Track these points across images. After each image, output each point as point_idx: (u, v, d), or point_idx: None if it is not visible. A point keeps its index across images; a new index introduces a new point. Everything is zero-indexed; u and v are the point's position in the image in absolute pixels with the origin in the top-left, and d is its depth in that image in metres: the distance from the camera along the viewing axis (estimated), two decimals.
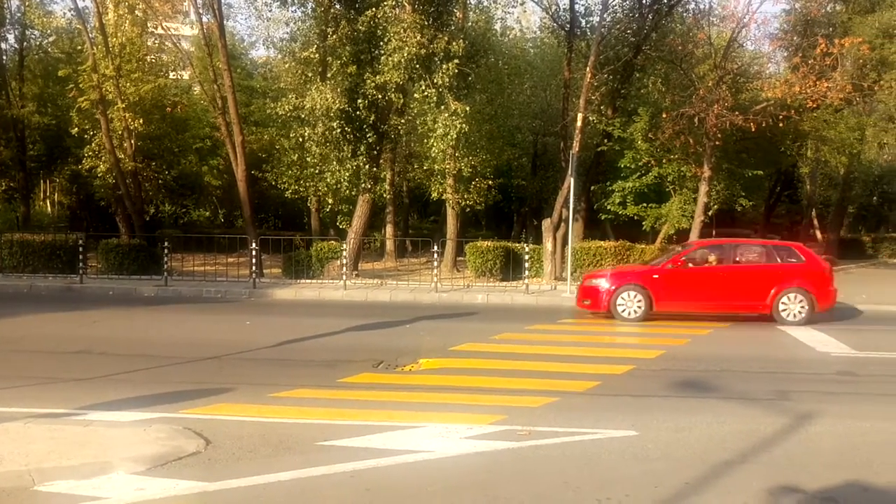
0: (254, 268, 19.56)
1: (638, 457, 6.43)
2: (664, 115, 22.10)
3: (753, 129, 21.15)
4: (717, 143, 21.86)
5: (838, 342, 12.50)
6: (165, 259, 19.64)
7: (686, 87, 23.07)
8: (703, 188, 22.81)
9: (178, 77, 35.97)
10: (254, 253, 19.69)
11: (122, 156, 26.31)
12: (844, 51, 21.16)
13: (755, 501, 5.45)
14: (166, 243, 19.97)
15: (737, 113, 21.00)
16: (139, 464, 5.92)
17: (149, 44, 30.23)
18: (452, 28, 20.23)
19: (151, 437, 6.58)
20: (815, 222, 46.59)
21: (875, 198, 45.78)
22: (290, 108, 21.34)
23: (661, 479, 5.82)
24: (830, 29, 24.56)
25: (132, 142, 26.69)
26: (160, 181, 32.05)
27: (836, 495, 5.59)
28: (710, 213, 25.06)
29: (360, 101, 20.00)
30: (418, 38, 18.62)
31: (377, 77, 19.61)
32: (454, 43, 19.05)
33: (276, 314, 15.86)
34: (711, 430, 7.27)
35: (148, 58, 29.24)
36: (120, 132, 26.40)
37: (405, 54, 18.69)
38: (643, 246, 23.25)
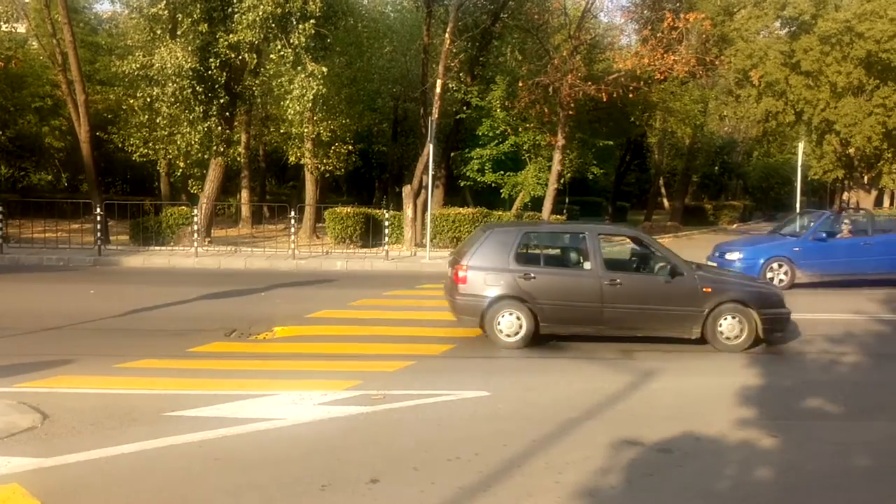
0: (99, 234, 18.64)
1: (489, 417, 6.58)
2: (520, 84, 22.46)
3: (605, 100, 21.83)
4: (570, 112, 22.46)
5: None
6: (1, 225, 18.39)
7: (542, 57, 23.54)
8: (557, 157, 23.40)
9: (13, 29, 33.41)
10: (98, 218, 18.74)
11: None
12: (689, 25, 22.10)
13: (598, 455, 5.69)
14: (2, 208, 18.68)
15: (590, 83, 21.58)
16: None
17: None
18: None
19: None
20: (663, 190, 49.17)
21: (716, 167, 48.61)
22: (138, 66, 20.26)
23: (510, 438, 5.98)
24: (678, 4, 25.56)
25: None
26: None
27: (672, 446, 5.94)
28: (563, 181, 25.81)
29: (212, 60, 19.28)
30: None
31: (230, 36, 18.93)
32: (311, 2, 18.57)
33: (122, 283, 15.15)
34: (559, 389, 7.54)
35: None
36: None
37: (260, 13, 18.08)
38: (500, 212, 23.68)
